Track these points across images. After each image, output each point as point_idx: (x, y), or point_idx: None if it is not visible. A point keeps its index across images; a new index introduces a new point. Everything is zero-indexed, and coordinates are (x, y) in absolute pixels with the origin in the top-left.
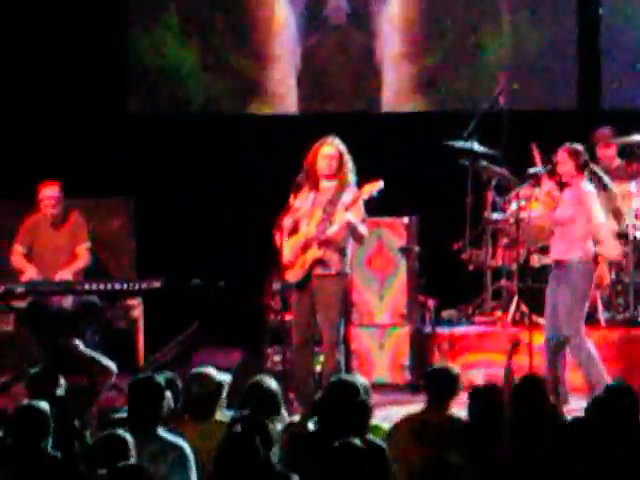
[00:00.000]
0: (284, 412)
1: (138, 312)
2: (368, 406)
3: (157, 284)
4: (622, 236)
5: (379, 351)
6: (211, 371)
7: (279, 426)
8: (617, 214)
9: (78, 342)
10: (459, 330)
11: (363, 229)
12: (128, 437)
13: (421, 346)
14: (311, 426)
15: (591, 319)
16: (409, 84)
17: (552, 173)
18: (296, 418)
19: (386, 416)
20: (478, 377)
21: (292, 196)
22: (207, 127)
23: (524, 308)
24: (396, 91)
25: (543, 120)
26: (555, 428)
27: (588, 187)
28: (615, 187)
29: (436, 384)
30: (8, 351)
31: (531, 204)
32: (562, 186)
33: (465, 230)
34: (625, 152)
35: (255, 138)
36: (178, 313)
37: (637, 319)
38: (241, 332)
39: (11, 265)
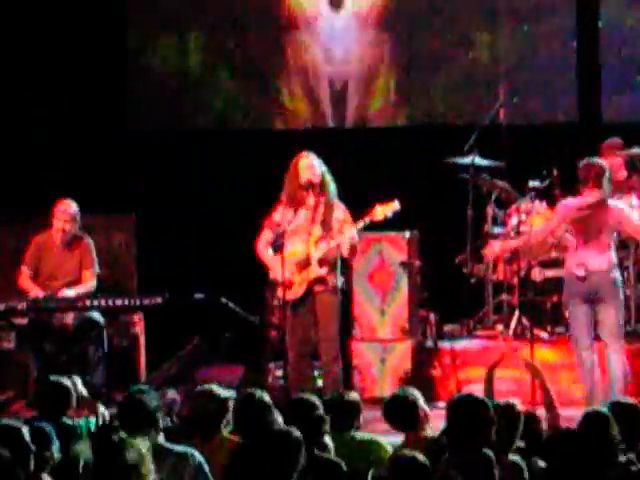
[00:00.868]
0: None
1: (139, 328)
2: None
3: (158, 300)
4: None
5: (381, 366)
6: (215, 388)
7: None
8: None
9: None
10: (461, 344)
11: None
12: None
13: (423, 360)
14: None
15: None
16: (408, 98)
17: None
18: None
19: (386, 430)
20: (479, 391)
21: (279, 209)
22: (209, 142)
23: (525, 322)
24: (396, 105)
25: (543, 133)
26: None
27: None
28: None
29: (397, 417)
30: (9, 369)
31: (532, 218)
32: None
33: (466, 244)
34: (627, 165)
35: (257, 153)
36: (180, 329)
37: (639, 332)
38: (243, 348)
39: (18, 286)
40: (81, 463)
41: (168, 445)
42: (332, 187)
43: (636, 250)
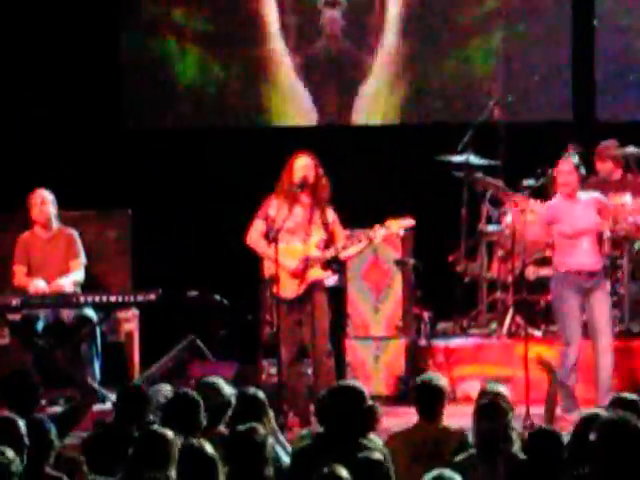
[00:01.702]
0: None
1: (134, 324)
2: (374, 411)
3: (153, 296)
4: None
5: (374, 363)
6: (221, 382)
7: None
8: None
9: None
10: (454, 342)
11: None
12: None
13: (416, 358)
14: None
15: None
16: (402, 96)
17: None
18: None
19: (381, 427)
20: (473, 389)
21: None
22: (204, 140)
23: (519, 320)
24: (390, 103)
25: (538, 132)
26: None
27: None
28: (613, 199)
29: (425, 396)
30: (3, 365)
31: (526, 216)
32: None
33: (460, 242)
34: (621, 163)
35: (253, 151)
36: (174, 325)
37: (632, 331)
38: (236, 345)
39: (15, 286)
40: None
41: None
42: (327, 188)
43: (630, 248)
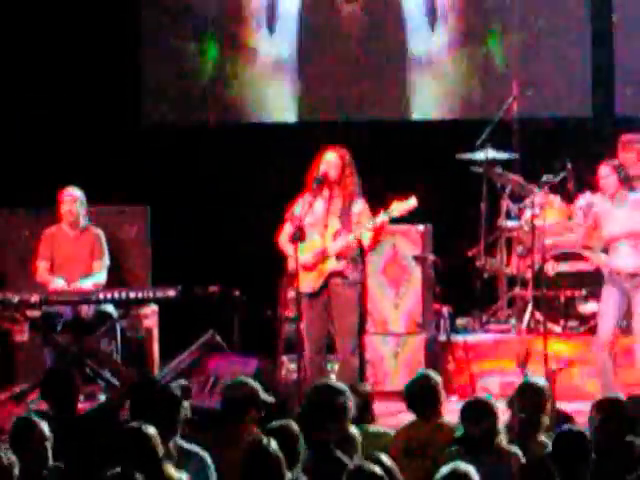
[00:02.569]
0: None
1: (153, 320)
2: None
3: (172, 292)
4: None
5: (394, 359)
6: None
7: None
8: None
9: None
10: (474, 338)
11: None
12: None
13: (436, 354)
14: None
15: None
16: (423, 93)
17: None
18: None
19: (399, 423)
20: (493, 385)
21: (301, 202)
22: (224, 136)
23: (539, 316)
24: (409, 99)
25: (557, 127)
26: None
27: None
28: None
29: (417, 396)
30: (23, 361)
31: (546, 211)
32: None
33: (479, 238)
34: None
35: (270, 146)
36: (193, 321)
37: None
38: (256, 340)
39: (37, 281)
40: None
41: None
42: (354, 183)
43: None
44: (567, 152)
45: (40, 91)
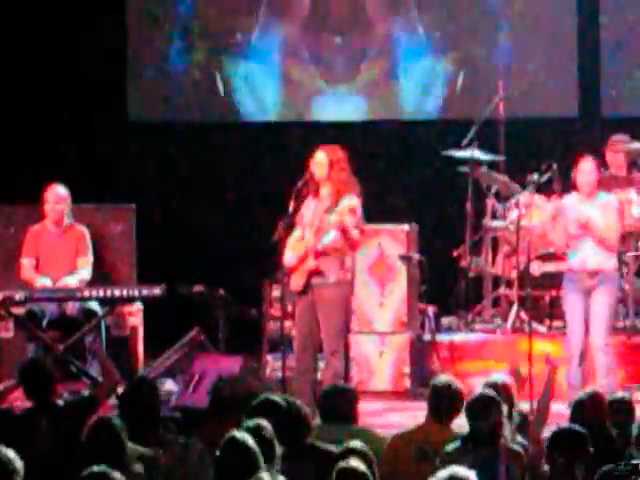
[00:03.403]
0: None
1: (138, 319)
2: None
3: (157, 291)
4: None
5: (379, 358)
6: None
7: None
8: None
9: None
10: (459, 338)
11: (356, 234)
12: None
13: (421, 353)
14: None
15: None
16: (407, 91)
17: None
18: None
19: (385, 423)
20: (477, 385)
21: (292, 203)
22: (210, 134)
23: (524, 316)
24: (395, 98)
25: (543, 127)
26: None
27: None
28: (619, 195)
29: (441, 400)
30: (7, 358)
31: (532, 211)
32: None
33: (465, 237)
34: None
35: (256, 145)
36: (178, 320)
37: (637, 327)
38: (241, 339)
39: (21, 279)
40: None
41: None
42: (343, 180)
43: (636, 244)
44: (553, 153)
45: (26, 89)
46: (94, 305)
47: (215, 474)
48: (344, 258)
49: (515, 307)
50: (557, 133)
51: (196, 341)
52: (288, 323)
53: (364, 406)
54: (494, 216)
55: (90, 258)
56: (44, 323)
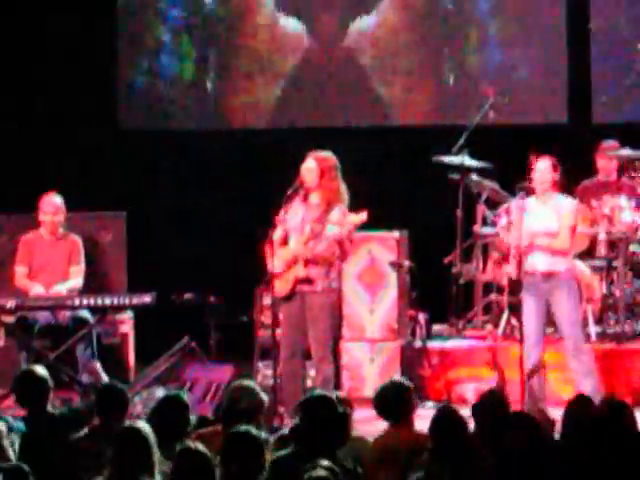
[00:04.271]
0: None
1: (129, 326)
2: (347, 416)
3: (148, 299)
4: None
5: (370, 365)
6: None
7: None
8: None
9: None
10: (450, 344)
11: (348, 246)
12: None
13: (412, 360)
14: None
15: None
16: (399, 99)
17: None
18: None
19: (375, 431)
20: (468, 391)
21: (282, 209)
22: (201, 141)
23: (514, 322)
24: (383, 105)
25: (533, 134)
26: None
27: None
28: (609, 201)
29: (390, 404)
30: None
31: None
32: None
33: (455, 244)
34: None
35: (248, 153)
36: (169, 328)
37: (628, 333)
38: (232, 347)
39: (15, 287)
40: None
41: None
42: (333, 189)
43: (625, 250)
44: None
45: (17, 97)
46: (85, 313)
47: None
48: (331, 267)
49: (506, 313)
50: (548, 140)
51: (187, 349)
52: (279, 330)
53: (355, 413)
54: (484, 223)
55: (82, 267)
56: (35, 331)
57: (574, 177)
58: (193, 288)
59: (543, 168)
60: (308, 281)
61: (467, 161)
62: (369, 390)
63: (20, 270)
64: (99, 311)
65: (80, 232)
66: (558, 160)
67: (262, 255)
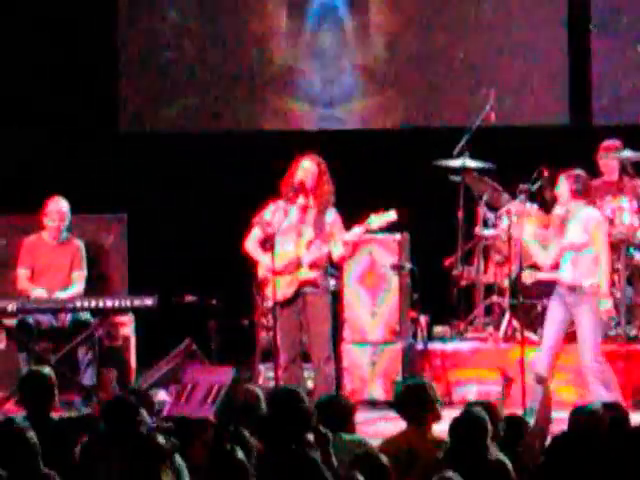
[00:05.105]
0: None
1: (130, 329)
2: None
3: (149, 301)
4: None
5: (371, 368)
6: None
7: None
8: None
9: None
10: (451, 346)
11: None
12: None
13: (413, 362)
14: None
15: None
16: (398, 100)
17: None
18: None
19: (376, 432)
20: (470, 394)
21: (265, 210)
22: (201, 144)
23: (516, 324)
24: (386, 107)
25: (534, 136)
26: None
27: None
28: (611, 202)
29: (413, 403)
30: (0, 369)
31: (523, 220)
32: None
33: (457, 246)
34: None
35: (248, 155)
36: (170, 330)
37: (629, 335)
38: (233, 349)
39: (18, 289)
40: None
41: None
42: (329, 191)
43: (626, 253)
44: (544, 160)
45: (18, 98)
46: (86, 316)
47: None
48: (325, 269)
49: (507, 315)
50: (549, 141)
51: (188, 351)
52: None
53: (357, 415)
54: (485, 225)
55: (84, 273)
56: (36, 334)
57: None
58: (194, 290)
59: (558, 182)
60: (311, 283)
61: (468, 163)
62: (370, 392)
63: (22, 273)
64: (100, 313)
65: (81, 234)
66: (565, 166)
67: (246, 254)
